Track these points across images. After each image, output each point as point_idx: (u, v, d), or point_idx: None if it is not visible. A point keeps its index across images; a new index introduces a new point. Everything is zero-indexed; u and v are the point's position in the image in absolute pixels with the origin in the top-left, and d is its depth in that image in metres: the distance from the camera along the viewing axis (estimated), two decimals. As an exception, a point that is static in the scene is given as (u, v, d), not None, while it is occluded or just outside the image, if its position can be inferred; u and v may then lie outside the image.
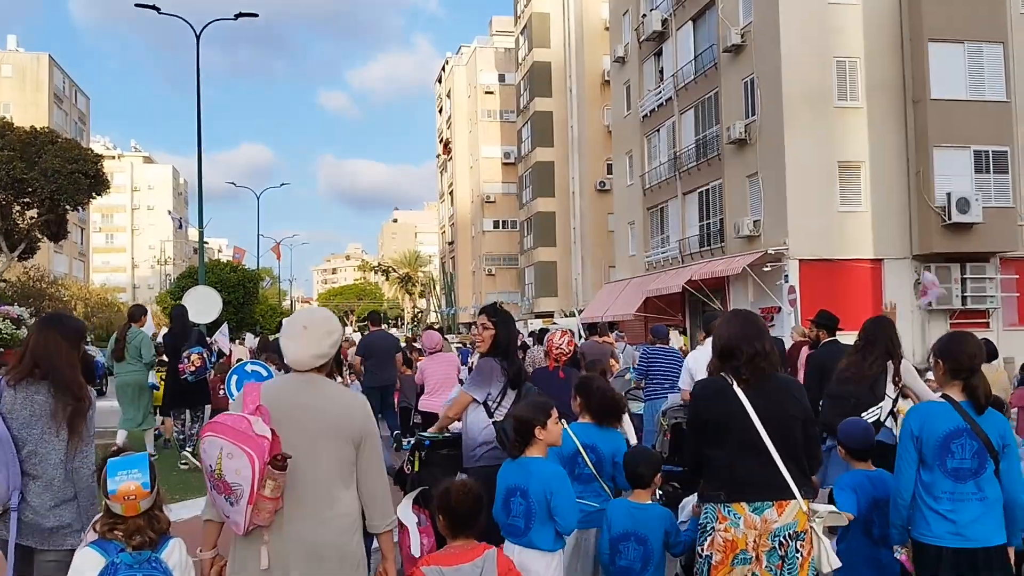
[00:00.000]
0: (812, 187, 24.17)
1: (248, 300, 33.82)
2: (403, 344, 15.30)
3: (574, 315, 35.23)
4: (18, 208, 31.22)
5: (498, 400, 4.91)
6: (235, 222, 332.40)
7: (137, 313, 10.98)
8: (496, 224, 64.89)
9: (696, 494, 3.93)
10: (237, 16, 27.15)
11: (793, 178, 24.19)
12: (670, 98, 32.04)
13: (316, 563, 3.04)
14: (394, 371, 12.30)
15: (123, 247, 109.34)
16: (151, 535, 2.96)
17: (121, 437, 10.39)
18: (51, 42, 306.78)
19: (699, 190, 30.07)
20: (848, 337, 6.84)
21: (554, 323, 33.14)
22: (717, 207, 28.83)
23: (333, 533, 3.08)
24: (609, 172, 44.94)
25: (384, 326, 13.46)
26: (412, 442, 5.54)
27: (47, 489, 3.57)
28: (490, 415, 4.86)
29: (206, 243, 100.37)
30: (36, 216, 31.74)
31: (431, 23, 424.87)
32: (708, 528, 3.61)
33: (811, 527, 3.57)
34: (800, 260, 24.18)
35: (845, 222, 24.54)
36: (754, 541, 3.50)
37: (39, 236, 32.96)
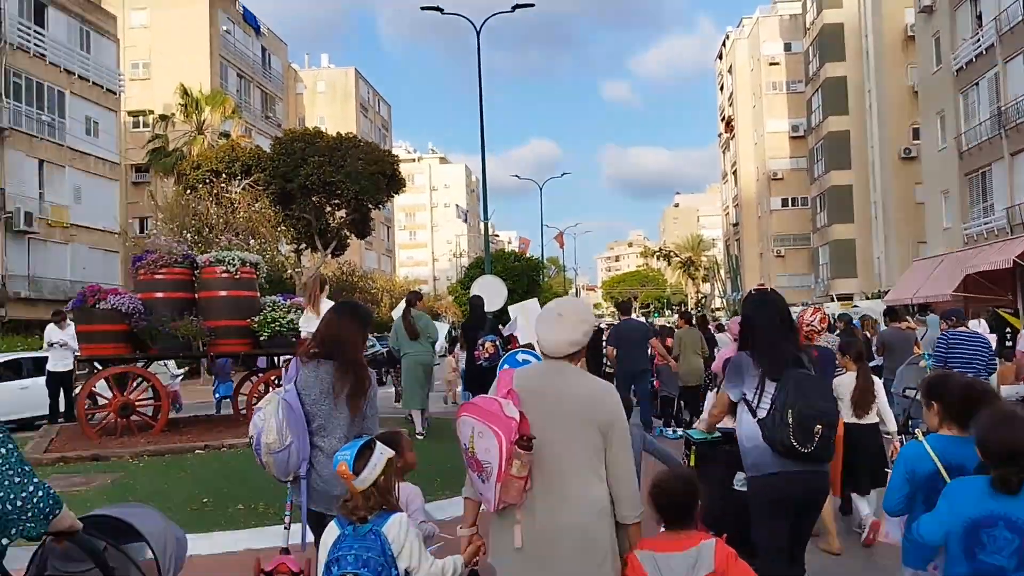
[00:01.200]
0: None
1: (532, 288, 34.46)
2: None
3: (878, 297, 31.94)
4: (329, 209, 34.24)
5: (757, 396, 4.24)
6: (523, 215, 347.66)
7: (413, 298, 11.59)
8: (784, 202, 61.17)
9: None
10: (514, 8, 27.54)
11: None
12: (991, 46, 27.78)
13: (565, 544, 3.08)
14: (645, 358, 12.25)
15: (424, 243, 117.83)
16: (364, 513, 3.07)
17: (418, 420, 10.97)
18: (357, 57, 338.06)
19: (1032, 148, 25.76)
20: None
21: (855, 307, 30.22)
22: (1057, 167, 24.50)
23: (582, 517, 3.09)
24: (915, 137, 40.35)
25: (633, 315, 13.26)
26: (679, 433, 5.06)
27: (332, 459, 3.80)
28: (753, 414, 4.21)
29: (497, 235, 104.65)
30: (344, 216, 34.65)
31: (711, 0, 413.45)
32: None
33: None
34: None
35: None
36: None
37: (347, 234, 35.94)
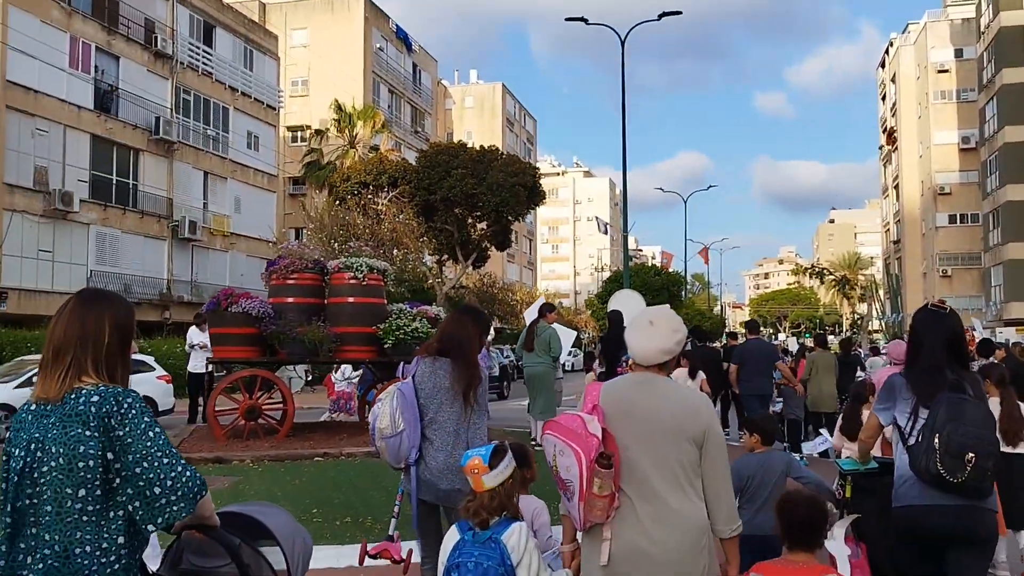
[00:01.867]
0: None
1: (673, 303, 33.42)
2: (781, 352, 14.36)
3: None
4: (470, 221, 34.55)
5: (910, 423, 3.86)
6: (668, 230, 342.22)
7: (545, 309, 11.39)
8: (952, 218, 57.03)
9: None
10: (660, 16, 26.87)
11: None
12: None
13: (655, 563, 2.98)
14: (769, 380, 11.71)
15: (567, 256, 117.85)
16: (486, 514, 3.06)
17: (535, 427, 10.87)
18: (504, 72, 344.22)
19: None
20: None
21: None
22: None
23: (674, 535, 2.98)
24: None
25: (760, 333, 12.82)
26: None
27: (441, 451, 4.05)
28: (904, 441, 3.86)
29: (640, 251, 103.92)
30: (485, 228, 34.87)
31: (875, 5, 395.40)
32: None
33: None
34: None
35: None
36: None
37: (488, 245, 36.14)
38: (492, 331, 9.46)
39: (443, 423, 4.11)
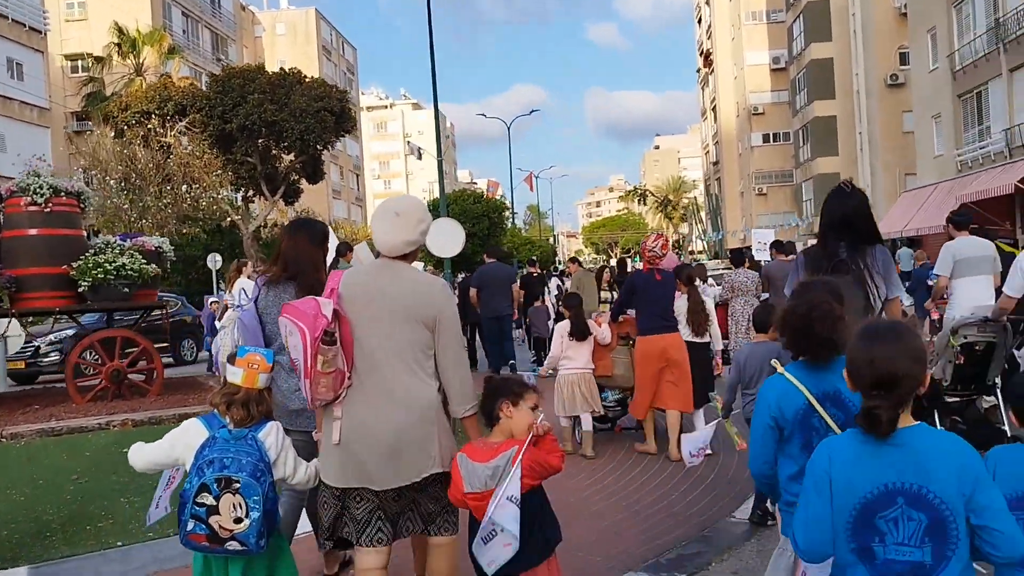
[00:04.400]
0: None
1: (494, 231, 32.10)
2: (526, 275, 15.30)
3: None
4: (275, 151, 31.65)
5: None
6: (504, 164, 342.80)
7: (343, 248, 9.96)
8: (766, 138, 58.74)
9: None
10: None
11: None
12: (989, -50, 25.32)
13: (383, 441, 3.06)
14: (509, 302, 12.42)
15: (400, 191, 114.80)
16: (254, 413, 3.02)
17: None
18: None
19: (1034, 62, 23.46)
20: None
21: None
22: (1062, 80, 22.25)
23: (402, 415, 3.08)
24: (903, 63, 37.99)
25: (501, 259, 13.49)
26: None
27: (291, 375, 3.84)
28: None
29: (474, 183, 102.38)
30: (292, 159, 32.10)
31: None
32: None
33: None
34: None
35: None
36: None
37: (297, 178, 33.40)
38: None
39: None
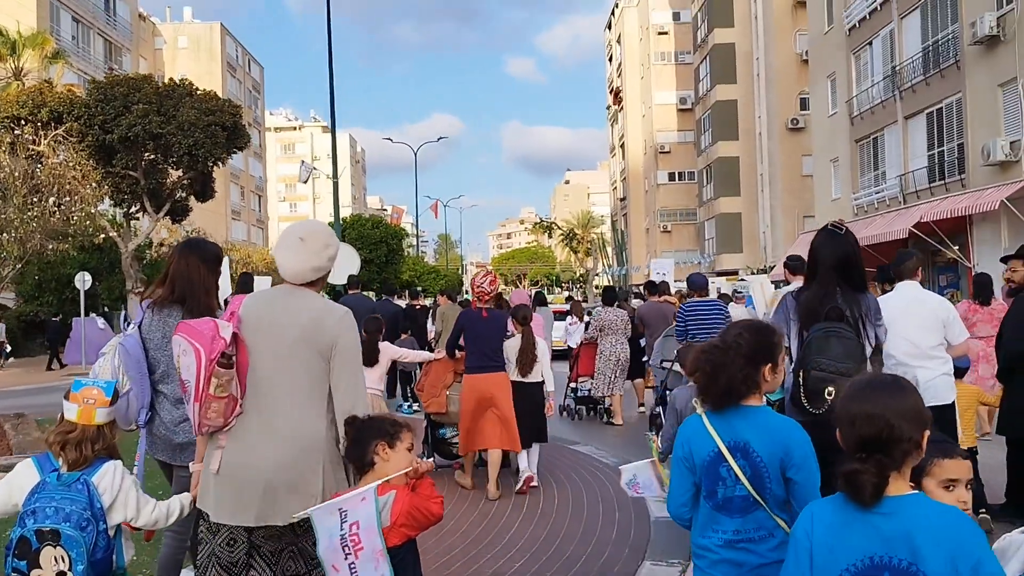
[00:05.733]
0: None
1: (392, 258, 30.95)
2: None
3: (764, 272, 30.19)
4: (162, 166, 29.79)
5: (796, 345, 4.06)
6: (411, 192, 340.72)
7: (246, 280, 10.14)
8: (672, 176, 59.57)
9: None
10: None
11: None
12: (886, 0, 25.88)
13: (262, 476, 2.89)
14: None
15: (306, 214, 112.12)
16: (88, 453, 2.85)
17: None
18: (223, 13, 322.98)
19: (928, 110, 23.95)
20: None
21: (741, 280, 28.19)
22: (954, 129, 22.70)
23: (277, 451, 2.91)
24: (803, 108, 38.95)
25: (362, 291, 12.75)
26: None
27: (177, 406, 3.70)
28: (792, 361, 4.03)
29: (384, 210, 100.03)
30: (180, 175, 30.29)
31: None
32: None
33: None
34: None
35: None
36: None
37: (185, 195, 31.53)
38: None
39: (176, 376, 3.35)
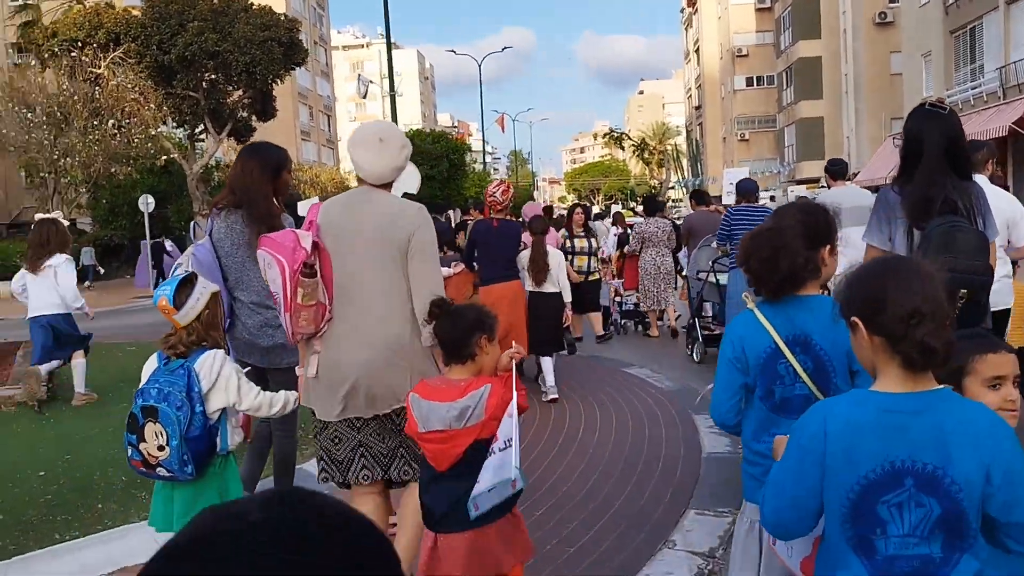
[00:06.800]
0: None
1: (454, 174, 30.19)
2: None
3: (849, 180, 28.50)
4: (222, 85, 29.43)
5: (907, 246, 3.68)
6: (489, 107, 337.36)
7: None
8: (749, 81, 56.73)
9: None
10: None
11: None
12: None
13: (355, 377, 3.01)
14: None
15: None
16: (182, 349, 3.03)
17: None
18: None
19: (1034, -6, 21.63)
20: None
21: (821, 186, 26.60)
22: (1064, 13, 20.46)
23: (373, 351, 3.00)
24: (891, 0, 35.97)
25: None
26: None
27: (257, 311, 3.81)
28: None
29: (455, 127, 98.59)
30: (241, 94, 29.93)
31: None
32: None
33: None
34: None
35: None
36: None
37: (247, 114, 31.24)
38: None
39: (249, 282, 3.81)
